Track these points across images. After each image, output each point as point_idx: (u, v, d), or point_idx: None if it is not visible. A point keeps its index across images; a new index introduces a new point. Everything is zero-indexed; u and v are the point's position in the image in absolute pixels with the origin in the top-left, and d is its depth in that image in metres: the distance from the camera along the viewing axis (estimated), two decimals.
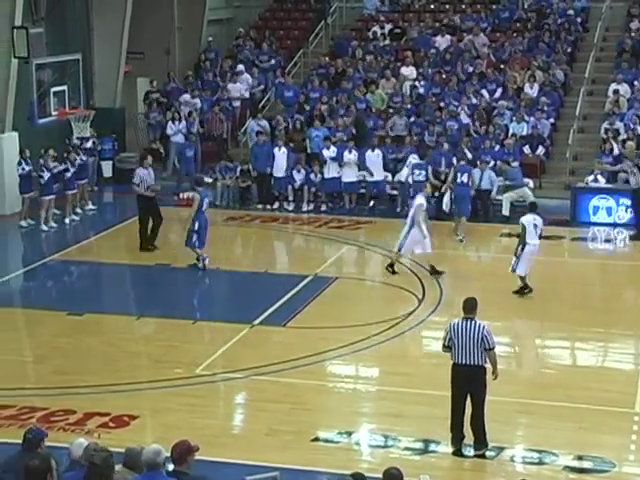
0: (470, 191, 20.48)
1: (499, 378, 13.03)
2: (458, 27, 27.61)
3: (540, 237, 16.58)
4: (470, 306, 10.98)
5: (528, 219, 16.43)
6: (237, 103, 25.81)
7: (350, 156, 22.18)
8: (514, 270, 16.32)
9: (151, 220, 19.05)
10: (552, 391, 12.64)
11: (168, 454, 7.40)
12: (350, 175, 22.17)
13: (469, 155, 21.64)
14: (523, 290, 16.41)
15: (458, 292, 16.76)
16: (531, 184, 21.73)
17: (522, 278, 16.37)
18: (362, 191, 22.45)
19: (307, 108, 24.66)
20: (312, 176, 22.37)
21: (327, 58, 26.78)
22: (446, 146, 21.55)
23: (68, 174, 20.89)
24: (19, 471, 7.03)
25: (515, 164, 22.02)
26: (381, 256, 18.87)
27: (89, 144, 22.61)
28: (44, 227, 20.37)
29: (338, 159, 22.20)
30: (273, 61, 27.31)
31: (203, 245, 17.78)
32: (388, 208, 22.08)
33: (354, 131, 23.18)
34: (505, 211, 21.21)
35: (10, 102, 21.22)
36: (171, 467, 7.51)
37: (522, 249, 16.23)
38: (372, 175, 22.14)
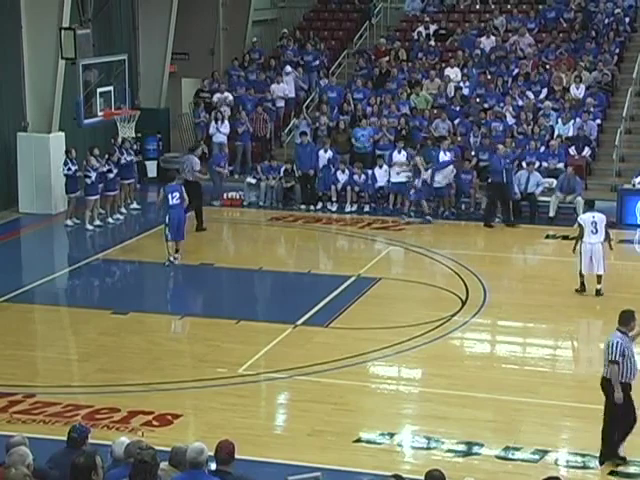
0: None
1: (543, 380, 13.02)
2: (502, 28, 27.39)
3: (606, 233, 16.50)
4: (625, 318, 10.72)
5: (585, 217, 16.43)
6: (281, 103, 25.85)
7: (399, 156, 22.17)
8: (579, 269, 16.34)
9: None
10: (598, 395, 12.44)
11: (211, 453, 7.42)
12: (399, 175, 22.14)
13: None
14: (581, 288, 16.40)
15: (501, 294, 16.73)
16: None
17: (580, 275, 16.34)
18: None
19: (350, 109, 24.61)
20: (355, 177, 22.36)
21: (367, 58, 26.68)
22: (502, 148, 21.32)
23: (111, 175, 21.05)
24: (65, 468, 7.10)
25: (560, 165, 21.87)
26: (424, 257, 18.80)
27: (129, 144, 22.71)
28: (89, 226, 20.55)
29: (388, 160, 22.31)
30: (317, 62, 27.33)
31: (177, 238, 18.05)
32: (433, 209, 21.97)
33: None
34: (552, 212, 21.03)
35: (57, 103, 21.44)
36: (213, 466, 7.55)
37: (580, 247, 16.26)
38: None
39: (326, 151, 22.59)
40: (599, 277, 16.34)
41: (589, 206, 16.90)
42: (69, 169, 20.67)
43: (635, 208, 20.80)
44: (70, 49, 20.57)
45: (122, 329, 14.99)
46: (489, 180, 21.16)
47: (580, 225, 16.41)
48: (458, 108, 24.20)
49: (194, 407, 12.33)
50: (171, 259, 18.16)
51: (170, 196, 18.09)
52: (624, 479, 10.52)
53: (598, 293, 16.35)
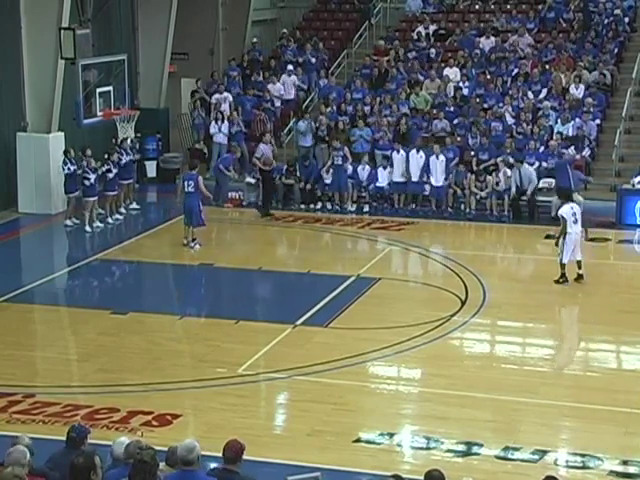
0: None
1: (543, 380, 13.02)
2: (502, 28, 27.39)
3: (583, 221, 17.16)
4: None
5: (566, 210, 16.87)
6: (278, 103, 25.84)
7: (398, 156, 22.23)
8: (561, 260, 16.75)
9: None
10: (598, 395, 12.49)
11: (209, 453, 7.41)
12: (398, 175, 22.20)
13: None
14: (563, 278, 16.80)
15: (501, 294, 16.73)
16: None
17: (562, 266, 16.77)
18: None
19: (349, 109, 24.63)
20: (356, 176, 22.40)
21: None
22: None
23: (110, 175, 21.03)
24: (64, 468, 7.10)
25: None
26: (424, 257, 18.80)
27: (130, 144, 22.71)
28: (88, 228, 20.48)
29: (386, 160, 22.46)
30: (317, 61, 27.32)
31: (191, 223, 19.16)
32: (430, 209, 22.01)
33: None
34: (553, 212, 21.03)
35: (56, 103, 21.43)
36: (212, 465, 7.53)
37: (564, 239, 16.65)
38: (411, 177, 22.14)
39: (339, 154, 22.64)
40: (579, 262, 16.86)
41: (565, 198, 17.46)
42: (68, 169, 20.66)
43: (634, 208, 20.79)
44: (70, 49, 20.58)
45: (121, 329, 14.99)
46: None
47: (563, 218, 16.79)
48: (454, 109, 24.18)
49: (194, 407, 12.33)
50: (184, 242, 19.14)
51: (186, 183, 19.15)
52: (623, 479, 10.52)
53: (580, 278, 16.84)
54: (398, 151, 22.30)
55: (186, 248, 19.07)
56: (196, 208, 19.08)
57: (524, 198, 21.33)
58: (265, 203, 21.86)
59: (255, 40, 28.16)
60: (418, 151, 22.11)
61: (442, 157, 21.81)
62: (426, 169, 21.92)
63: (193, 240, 19.16)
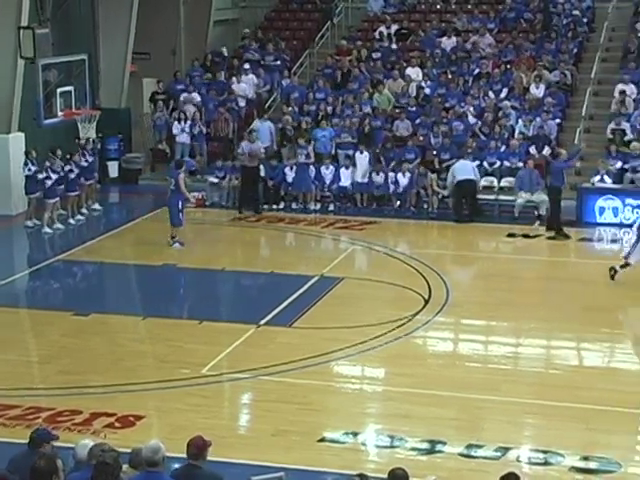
0: None
1: (505, 378, 13.12)
2: (463, 28, 27.55)
3: None
4: None
5: None
6: (243, 103, 25.79)
7: (362, 157, 22.27)
8: (627, 257, 17.06)
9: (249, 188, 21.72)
10: (559, 391, 12.61)
11: (166, 453, 7.39)
12: (362, 175, 22.25)
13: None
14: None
15: (463, 293, 16.84)
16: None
17: (626, 265, 16.99)
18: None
19: (312, 108, 24.63)
20: (323, 169, 22.49)
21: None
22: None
23: (72, 175, 20.88)
24: (25, 471, 7.03)
25: (520, 164, 22.06)
26: (387, 256, 18.86)
27: (92, 144, 22.56)
28: (48, 230, 20.30)
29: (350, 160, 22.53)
30: (279, 61, 27.30)
31: (171, 221, 19.18)
32: (394, 209, 22.09)
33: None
34: (516, 213, 21.24)
35: (16, 103, 21.22)
36: (175, 466, 7.51)
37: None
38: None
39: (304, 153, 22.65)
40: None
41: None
42: (29, 169, 20.46)
43: (594, 207, 21.02)
44: (29, 48, 20.41)
45: (84, 331, 14.88)
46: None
47: None
48: (416, 109, 24.27)
49: (157, 408, 12.27)
50: (168, 239, 19.13)
51: (169, 181, 19.27)
52: (585, 474, 10.62)
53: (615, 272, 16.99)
54: (362, 151, 22.39)
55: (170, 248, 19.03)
56: (175, 207, 19.03)
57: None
58: (241, 202, 21.99)
59: (224, 50, 27.89)
60: (378, 173, 22.15)
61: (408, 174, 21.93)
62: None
63: (172, 238, 19.07)
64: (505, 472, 7.45)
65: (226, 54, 27.45)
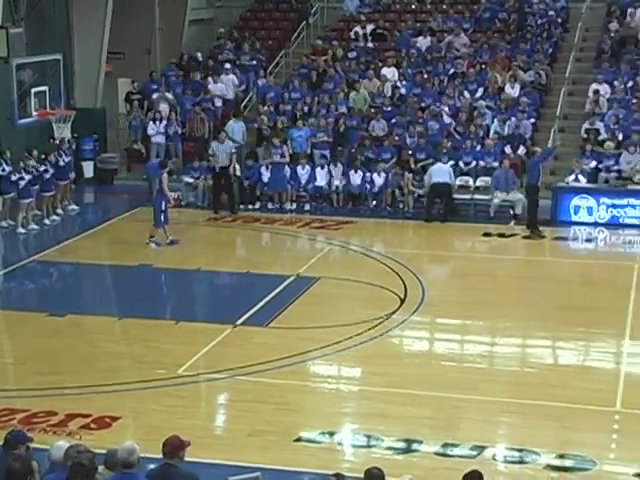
0: None
1: (482, 377, 13.17)
2: (438, 28, 27.63)
3: None
4: None
5: None
6: (219, 103, 25.74)
7: (336, 169, 22.47)
8: None
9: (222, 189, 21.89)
10: (534, 390, 12.68)
11: (142, 454, 7.39)
12: (338, 175, 22.36)
13: None
14: None
15: (439, 292, 16.89)
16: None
17: None
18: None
19: (288, 108, 24.63)
20: (299, 169, 22.50)
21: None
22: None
23: (47, 175, 20.76)
24: (0, 473, 7.00)
25: (495, 164, 22.17)
26: (363, 256, 18.89)
27: (67, 144, 22.45)
28: (22, 230, 20.18)
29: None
30: (254, 61, 27.28)
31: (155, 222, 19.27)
32: (370, 208, 22.14)
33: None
34: (492, 213, 21.34)
35: None
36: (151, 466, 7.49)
37: None
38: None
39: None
40: None
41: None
42: (3, 170, 20.32)
43: (569, 206, 21.14)
44: (3, 48, 20.33)
45: (59, 331, 14.81)
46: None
47: None
48: (391, 108, 24.32)
49: (133, 409, 12.23)
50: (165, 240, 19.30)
51: (154, 181, 19.78)
52: (560, 472, 10.68)
53: None
54: (336, 164, 22.55)
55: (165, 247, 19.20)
56: (158, 207, 19.14)
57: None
58: (215, 203, 22.07)
59: (199, 54, 27.81)
60: (356, 171, 22.20)
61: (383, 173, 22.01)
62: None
63: (151, 237, 19.15)
64: (468, 470, 7.47)
65: (201, 59, 27.37)
